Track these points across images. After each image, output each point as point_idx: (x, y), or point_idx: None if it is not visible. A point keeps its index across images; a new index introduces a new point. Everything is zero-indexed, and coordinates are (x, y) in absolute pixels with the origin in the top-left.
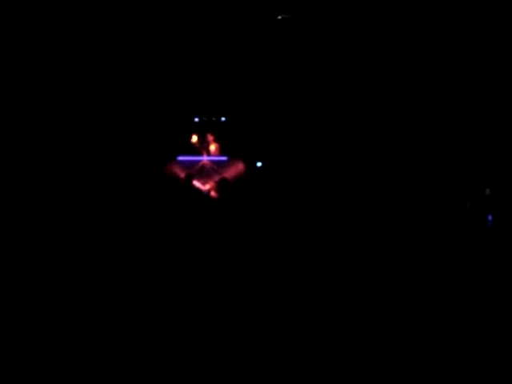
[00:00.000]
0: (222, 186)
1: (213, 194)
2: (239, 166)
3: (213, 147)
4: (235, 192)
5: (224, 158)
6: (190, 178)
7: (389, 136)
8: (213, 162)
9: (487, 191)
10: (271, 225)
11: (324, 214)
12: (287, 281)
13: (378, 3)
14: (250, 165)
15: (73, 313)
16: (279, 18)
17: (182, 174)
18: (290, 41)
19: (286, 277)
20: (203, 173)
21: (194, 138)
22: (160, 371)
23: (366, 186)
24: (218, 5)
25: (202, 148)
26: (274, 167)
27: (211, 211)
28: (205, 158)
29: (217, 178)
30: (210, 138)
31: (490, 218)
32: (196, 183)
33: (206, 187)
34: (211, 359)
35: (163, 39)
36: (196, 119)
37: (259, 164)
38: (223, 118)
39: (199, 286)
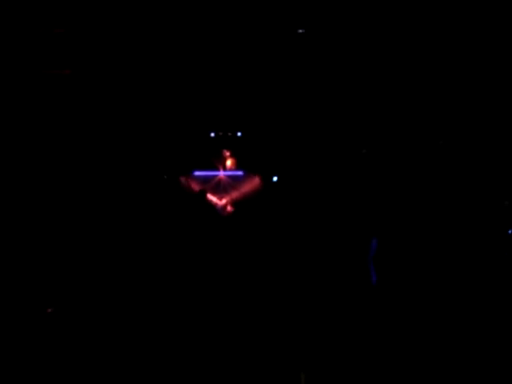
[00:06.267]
0: (238, 200)
1: (229, 208)
2: (255, 181)
3: (229, 162)
4: (251, 206)
5: (240, 173)
6: (204, 192)
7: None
8: (229, 176)
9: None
10: (287, 239)
11: (338, 227)
12: (298, 294)
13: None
14: (266, 179)
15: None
16: (300, 32)
17: (198, 189)
18: (303, 55)
19: (296, 291)
20: (219, 188)
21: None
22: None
23: (380, 200)
24: (234, 18)
25: (218, 163)
26: (289, 181)
27: (227, 226)
28: (221, 173)
29: (233, 193)
30: (226, 153)
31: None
32: (212, 198)
33: (223, 202)
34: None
35: (177, 53)
36: (212, 134)
37: (275, 178)
38: (239, 133)
39: (209, 301)
